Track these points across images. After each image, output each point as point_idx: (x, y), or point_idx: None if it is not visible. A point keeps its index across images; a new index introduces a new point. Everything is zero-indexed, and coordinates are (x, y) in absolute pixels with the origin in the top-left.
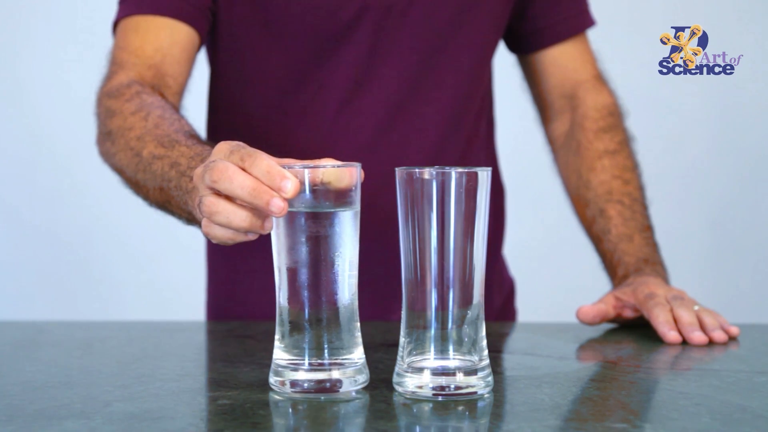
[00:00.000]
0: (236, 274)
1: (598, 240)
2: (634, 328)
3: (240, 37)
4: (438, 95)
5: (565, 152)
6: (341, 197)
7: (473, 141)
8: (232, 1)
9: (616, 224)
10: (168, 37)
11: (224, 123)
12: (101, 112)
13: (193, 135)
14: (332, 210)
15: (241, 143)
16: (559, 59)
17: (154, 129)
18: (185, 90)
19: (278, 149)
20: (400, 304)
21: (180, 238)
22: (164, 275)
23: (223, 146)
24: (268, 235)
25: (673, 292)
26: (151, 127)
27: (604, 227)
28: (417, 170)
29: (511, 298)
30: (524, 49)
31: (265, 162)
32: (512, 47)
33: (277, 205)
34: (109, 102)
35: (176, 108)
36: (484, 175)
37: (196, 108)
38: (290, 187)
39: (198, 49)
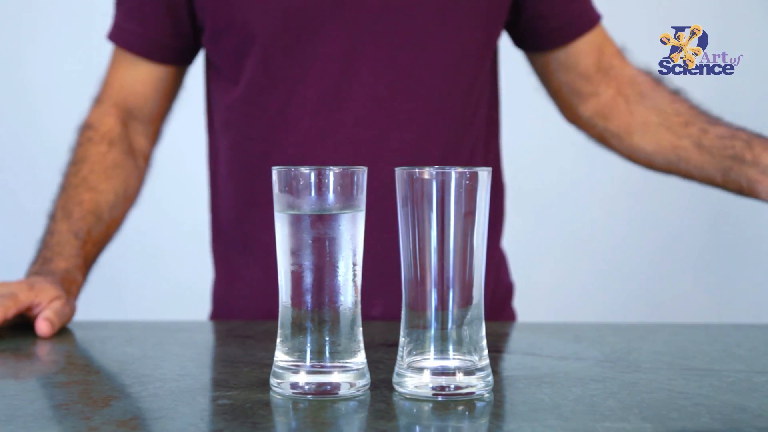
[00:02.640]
0: (240, 269)
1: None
2: (634, 329)
3: (219, 43)
4: (418, 91)
5: (629, 105)
6: (347, 200)
7: (462, 139)
8: (210, 15)
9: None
10: (131, 75)
11: (217, 117)
12: (73, 140)
13: (82, 216)
14: (337, 212)
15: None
16: (591, 43)
17: (71, 188)
18: (162, 114)
19: (260, 145)
20: (381, 300)
21: (184, 235)
22: (169, 273)
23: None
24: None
25: None
26: (72, 183)
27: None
28: (417, 170)
29: (508, 301)
30: (552, 44)
31: None
32: (538, 46)
33: None
34: (75, 136)
35: (133, 143)
36: (484, 175)
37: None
38: None
39: (173, 76)
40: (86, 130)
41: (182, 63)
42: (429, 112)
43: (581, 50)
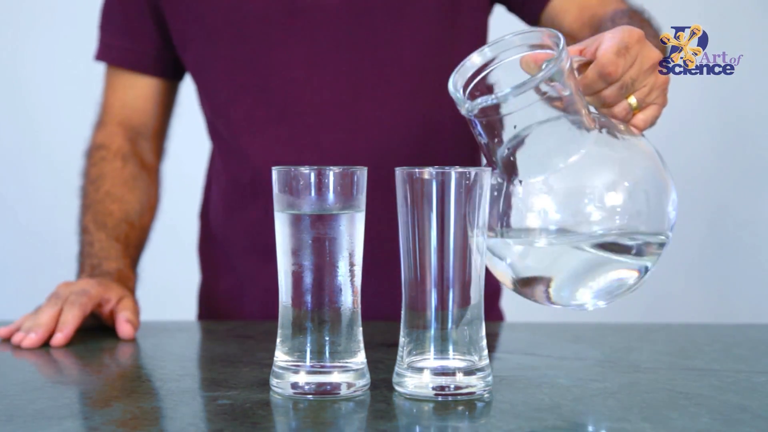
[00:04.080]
0: (221, 272)
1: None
2: (634, 329)
3: (188, 55)
4: (382, 91)
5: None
6: (346, 200)
7: (437, 138)
8: (177, 28)
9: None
10: (131, 92)
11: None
12: (82, 165)
13: (116, 225)
14: (337, 212)
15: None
16: (570, 1)
17: (96, 204)
18: (163, 130)
19: (233, 152)
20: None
21: (179, 237)
22: (163, 275)
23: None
24: (265, 238)
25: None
26: (96, 199)
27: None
28: (417, 170)
29: (495, 301)
30: (530, 9)
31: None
32: (522, 14)
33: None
34: (84, 161)
35: (143, 159)
36: (483, 174)
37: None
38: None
39: (168, 90)
40: (97, 150)
41: (175, 77)
42: (395, 111)
43: (561, 9)
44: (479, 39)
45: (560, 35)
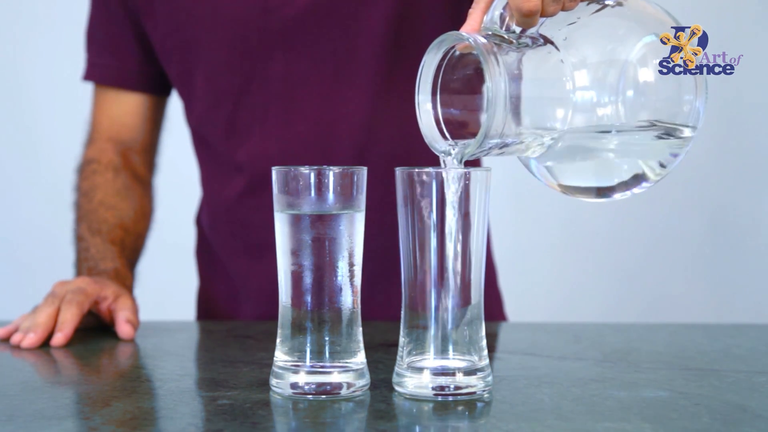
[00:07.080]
0: (213, 275)
1: None
2: (634, 329)
3: (169, 66)
4: (358, 76)
5: None
6: (346, 200)
7: (414, 134)
8: (158, 37)
9: None
10: (117, 108)
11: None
12: (74, 181)
13: (110, 230)
14: (337, 212)
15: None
16: None
17: (89, 214)
18: (153, 144)
19: (219, 156)
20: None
21: (180, 239)
22: (160, 275)
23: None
24: (255, 238)
25: None
26: (90, 209)
27: None
28: (417, 170)
29: (492, 283)
30: None
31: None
32: None
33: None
34: (75, 176)
35: (136, 172)
36: (484, 174)
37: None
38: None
39: (155, 105)
40: (88, 164)
41: (162, 92)
42: (374, 93)
43: None
44: (448, 6)
45: (463, 33)
